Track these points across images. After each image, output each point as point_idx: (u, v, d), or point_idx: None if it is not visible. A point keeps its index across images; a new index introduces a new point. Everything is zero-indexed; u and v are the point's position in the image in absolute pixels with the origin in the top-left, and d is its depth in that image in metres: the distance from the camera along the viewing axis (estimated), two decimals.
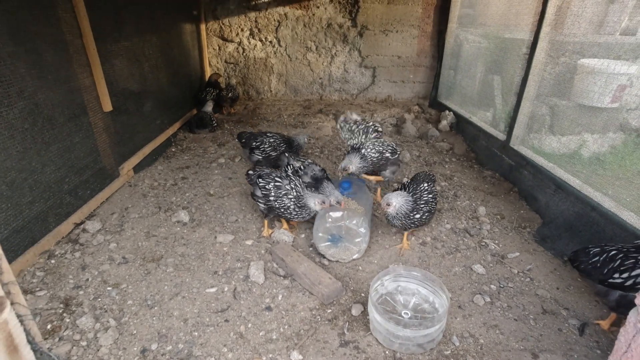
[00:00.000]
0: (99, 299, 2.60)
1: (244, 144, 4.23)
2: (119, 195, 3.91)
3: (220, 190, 4.08)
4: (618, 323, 2.48)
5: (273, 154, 4.06)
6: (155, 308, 2.55)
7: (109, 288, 2.69)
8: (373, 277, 2.50)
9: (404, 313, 2.44)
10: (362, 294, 2.72)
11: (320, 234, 3.06)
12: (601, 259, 2.42)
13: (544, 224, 3.55)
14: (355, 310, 2.55)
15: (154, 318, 2.47)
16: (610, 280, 2.32)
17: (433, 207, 3.14)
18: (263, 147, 4.06)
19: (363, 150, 3.53)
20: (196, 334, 2.37)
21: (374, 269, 2.99)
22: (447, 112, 5.95)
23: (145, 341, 2.31)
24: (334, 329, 2.43)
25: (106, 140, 3.79)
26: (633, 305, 2.40)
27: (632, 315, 1.80)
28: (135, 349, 2.26)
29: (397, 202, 2.98)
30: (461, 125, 5.67)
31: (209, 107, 5.67)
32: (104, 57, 3.69)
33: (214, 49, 6.88)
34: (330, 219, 3.04)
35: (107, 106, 3.74)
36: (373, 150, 3.55)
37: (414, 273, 2.57)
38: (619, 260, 2.34)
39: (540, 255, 3.18)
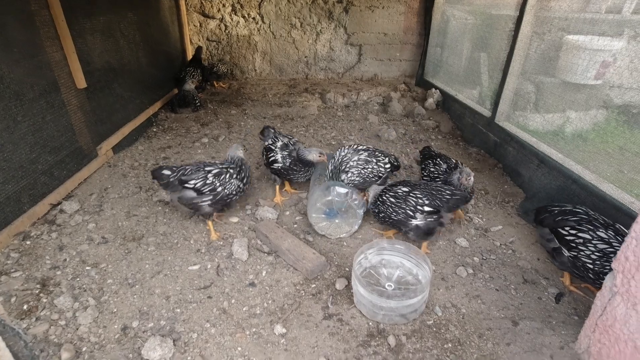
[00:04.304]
0: (78, 279, 2.54)
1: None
2: (97, 176, 3.79)
3: None
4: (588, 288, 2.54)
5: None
6: (137, 286, 2.51)
7: (87, 268, 2.63)
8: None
9: (388, 285, 2.45)
10: (347, 269, 2.72)
11: (318, 205, 3.01)
12: (557, 210, 2.65)
13: (526, 198, 3.59)
14: (340, 285, 2.55)
15: (135, 296, 2.43)
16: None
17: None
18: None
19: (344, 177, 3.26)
20: (178, 310, 2.34)
21: (358, 244, 2.99)
22: (433, 90, 5.91)
23: (126, 319, 2.27)
24: (318, 302, 2.43)
25: (81, 118, 3.65)
26: (556, 254, 2.52)
27: (608, 280, 1.83)
28: (115, 326, 2.22)
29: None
30: (447, 103, 5.65)
31: (191, 85, 5.49)
32: (76, 31, 3.51)
33: (194, 25, 6.64)
34: (335, 192, 3.01)
35: (81, 83, 3.58)
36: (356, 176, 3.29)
37: (398, 246, 2.57)
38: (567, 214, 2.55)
39: (522, 228, 3.22)
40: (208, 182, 2.86)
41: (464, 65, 5.50)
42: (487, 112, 4.58)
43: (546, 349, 2.12)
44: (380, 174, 3.33)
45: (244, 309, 2.38)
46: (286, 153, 3.38)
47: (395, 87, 6.58)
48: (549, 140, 3.69)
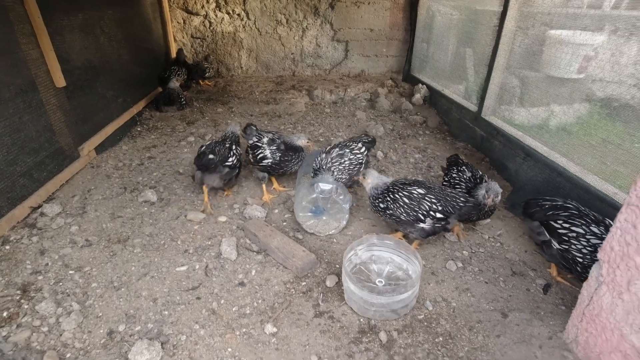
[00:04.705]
0: (60, 284, 2.46)
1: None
2: (80, 177, 3.69)
3: (190, 168, 3.92)
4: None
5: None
6: (122, 289, 2.44)
7: (71, 272, 2.55)
8: None
9: (378, 281, 2.45)
10: (337, 266, 2.70)
11: (304, 203, 2.98)
12: (548, 204, 2.64)
13: (513, 191, 3.63)
14: (330, 282, 2.54)
15: (121, 299, 2.37)
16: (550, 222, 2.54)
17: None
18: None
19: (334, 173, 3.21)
20: (166, 312, 2.29)
21: (348, 241, 2.97)
22: (420, 85, 5.93)
23: (112, 323, 2.21)
24: (308, 300, 2.41)
25: (61, 118, 3.53)
26: (545, 247, 2.54)
27: (594, 270, 1.86)
28: (101, 331, 2.16)
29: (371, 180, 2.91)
30: (434, 98, 5.67)
31: (175, 84, 5.39)
32: (53, 29, 3.40)
33: (178, 22, 6.51)
34: (319, 189, 2.98)
35: (60, 81, 3.47)
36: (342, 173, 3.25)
37: (387, 242, 2.57)
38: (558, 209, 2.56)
39: (510, 221, 3.26)
40: (236, 155, 3.30)
41: (450, 60, 5.53)
42: (473, 107, 4.61)
43: (535, 340, 2.14)
44: (361, 161, 3.31)
45: (234, 309, 2.34)
46: (274, 148, 3.33)
47: (382, 83, 6.58)
48: (534, 134, 3.74)
